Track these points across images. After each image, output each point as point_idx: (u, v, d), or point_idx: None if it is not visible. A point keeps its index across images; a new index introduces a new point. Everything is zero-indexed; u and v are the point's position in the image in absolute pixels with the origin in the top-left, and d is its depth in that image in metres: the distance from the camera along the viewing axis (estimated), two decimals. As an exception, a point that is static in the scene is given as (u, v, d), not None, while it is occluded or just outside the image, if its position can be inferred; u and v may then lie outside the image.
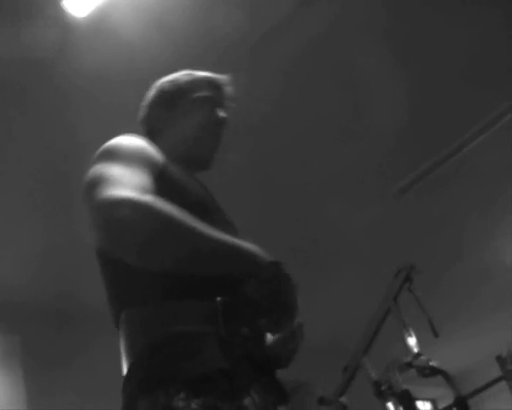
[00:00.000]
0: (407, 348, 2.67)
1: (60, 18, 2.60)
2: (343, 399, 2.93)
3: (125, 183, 1.17)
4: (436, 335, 2.71)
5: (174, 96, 1.59)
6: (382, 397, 2.65)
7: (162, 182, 1.29)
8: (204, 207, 1.33)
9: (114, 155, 1.28)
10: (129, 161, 1.27)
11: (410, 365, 2.67)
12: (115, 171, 1.22)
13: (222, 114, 1.58)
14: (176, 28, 2.84)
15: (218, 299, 1.15)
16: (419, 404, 2.65)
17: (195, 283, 1.18)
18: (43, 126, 3.06)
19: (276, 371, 1.29)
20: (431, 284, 3.89)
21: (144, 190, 1.18)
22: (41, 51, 2.65)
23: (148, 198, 1.15)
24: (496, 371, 3.84)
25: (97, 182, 1.18)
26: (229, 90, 1.63)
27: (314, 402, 2.97)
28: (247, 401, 1.13)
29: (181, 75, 1.63)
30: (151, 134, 1.57)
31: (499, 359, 3.79)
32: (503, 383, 3.85)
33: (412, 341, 2.68)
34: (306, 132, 3.68)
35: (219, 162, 1.61)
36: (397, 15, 3.17)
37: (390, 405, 2.63)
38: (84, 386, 3.86)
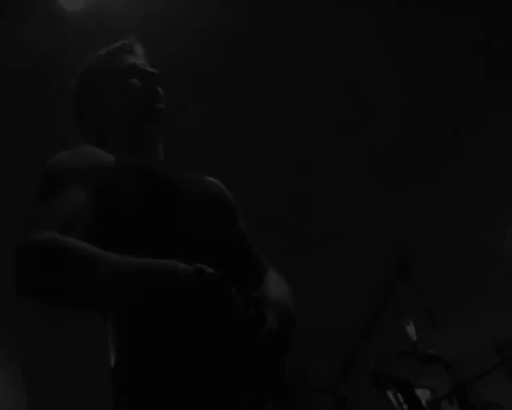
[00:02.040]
0: (406, 337, 2.66)
1: (55, 12, 2.60)
2: (342, 388, 2.93)
3: (49, 219, 1.13)
4: (434, 323, 2.71)
5: (93, 90, 1.49)
6: (381, 386, 2.65)
7: (108, 188, 1.24)
8: (164, 191, 1.28)
9: (51, 180, 1.23)
10: (64, 183, 1.21)
11: (408, 353, 2.66)
12: (44, 205, 1.18)
13: (149, 69, 1.48)
14: (173, 22, 2.83)
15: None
16: (418, 392, 2.65)
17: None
18: (44, 125, 3.05)
19: (277, 360, 1.21)
20: (427, 272, 3.89)
21: (71, 221, 1.14)
22: (37, 46, 2.64)
23: (58, 242, 1.09)
24: (494, 358, 3.84)
25: (26, 221, 1.16)
26: (139, 46, 1.53)
27: (312, 391, 2.96)
28: (233, 399, 1.07)
29: (87, 66, 1.54)
30: (91, 140, 1.47)
31: (497, 345, 3.79)
32: (501, 370, 3.85)
33: (411, 329, 2.67)
34: (308, 122, 3.67)
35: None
36: (399, 13, 3.18)
37: (389, 393, 2.63)
38: (83, 380, 3.86)
